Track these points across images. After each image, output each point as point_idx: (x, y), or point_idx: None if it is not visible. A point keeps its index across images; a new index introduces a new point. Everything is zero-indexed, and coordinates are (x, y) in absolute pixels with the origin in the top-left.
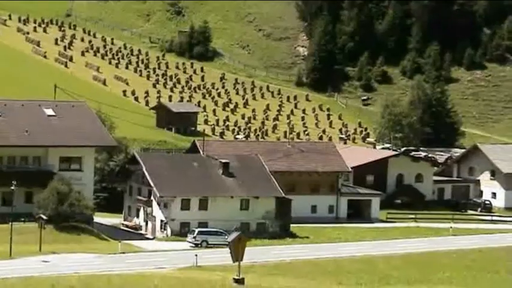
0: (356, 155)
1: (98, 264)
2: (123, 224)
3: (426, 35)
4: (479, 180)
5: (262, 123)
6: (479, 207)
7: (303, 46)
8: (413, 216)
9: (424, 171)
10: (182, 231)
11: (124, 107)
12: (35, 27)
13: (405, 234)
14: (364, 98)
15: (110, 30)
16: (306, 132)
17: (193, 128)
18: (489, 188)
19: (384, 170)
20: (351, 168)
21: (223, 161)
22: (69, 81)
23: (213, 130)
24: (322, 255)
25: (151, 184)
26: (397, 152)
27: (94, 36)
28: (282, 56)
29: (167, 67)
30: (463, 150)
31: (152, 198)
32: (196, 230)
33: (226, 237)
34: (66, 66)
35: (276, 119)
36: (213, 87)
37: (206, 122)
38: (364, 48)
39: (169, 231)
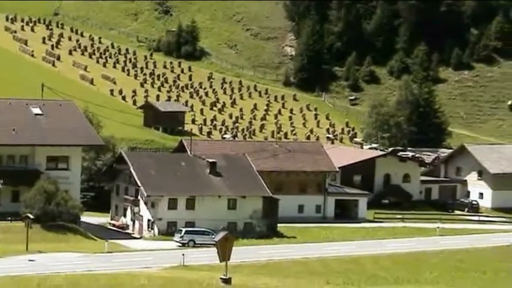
0: (343, 155)
1: (85, 263)
2: (110, 223)
3: (414, 35)
4: (466, 181)
5: (250, 122)
6: (466, 208)
7: (290, 46)
8: (400, 216)
9: (412, 171)
10: (169, 231)
11: (111, 106)
12: (22, 26)
13: (392, 234)
14: (352, 98)
15: (98, 29)
16: (294, 132)
17: (180, 128)
18: (476, 188)
19: (372, 170)
20: (338, 168)
21: (211, 160)
22: (57, 80)
23: (201, 129)
24: (309, 255)
25: (139, 183)
26: (384, 152)
27: (82, 35)
28: (270, 56)
29: (155, 66)
30: (450, 151)
31: (139, 197)
32: (184, 230)
33: (213, 236)
34: (53, 65)
35: (263, 118)
36: (201, 87)
37: (193, 121)
38: (351, 48)
39: (156, 230)
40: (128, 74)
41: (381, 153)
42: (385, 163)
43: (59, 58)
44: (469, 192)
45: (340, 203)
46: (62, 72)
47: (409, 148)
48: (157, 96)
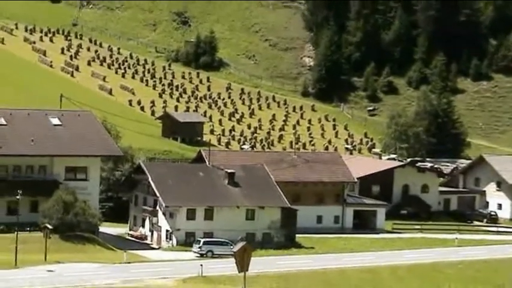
0: (362, 165)
1: (103, 273)
2: (128, 233)
3: (432, 45)
4: (485, 191)
5: (268, 133)
6: (485, 218)
7: (309, 56)
8: (419, 226)
9: (430, 181)
10: (188, 241)
11: (130, 117)
12: (41, 37)
13: (410, 245)
14: (370, 108)
15: (116, 40)
16: (312, 143)
17: (199, 138)
18: (495, 199)
19: (390, 181)
20: (357, 178)
21: (229, 171)
22: (75, 90)
23: (219, 140)
24: (327, 266)
25: (157, 194)
26: (403, 163)
27: (100, 45)
28: (288, 66)
29: (173, 77)
30: (468, 161)
31: (158, 208)
32: (202, 240)
33: (231, 247)
34: (72, 75)
35: (281, 129)
36: (219, 97)
37: (212, 131)
38: (370, 58)
39: (174, 241)
40: (147, 85)
41: (400, 163)
42: (404, 174)
43: (77, 68)
44: (487, 202)
45: (359, 213)
46: (80, 82)
47: (427, 159)
48: (176, 107)
